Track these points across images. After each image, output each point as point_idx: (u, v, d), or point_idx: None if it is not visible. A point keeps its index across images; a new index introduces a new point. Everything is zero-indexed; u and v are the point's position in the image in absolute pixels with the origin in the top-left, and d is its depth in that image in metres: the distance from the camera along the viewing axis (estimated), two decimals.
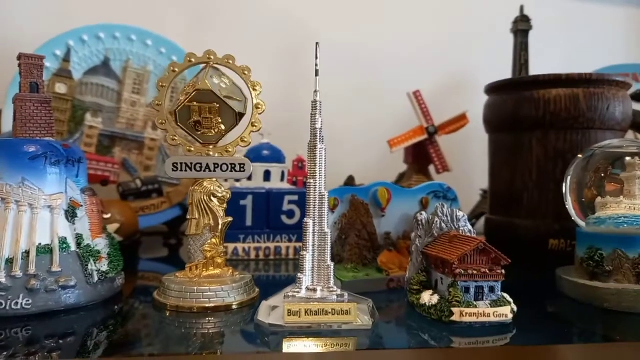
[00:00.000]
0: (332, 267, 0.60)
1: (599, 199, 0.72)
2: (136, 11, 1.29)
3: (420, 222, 0.69)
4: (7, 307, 0.57)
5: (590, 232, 0.72)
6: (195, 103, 0.66)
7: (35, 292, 0.58)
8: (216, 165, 0.67)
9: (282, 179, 1.04)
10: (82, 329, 0.57)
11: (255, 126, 0.69)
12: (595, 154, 0.75)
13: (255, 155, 1.02)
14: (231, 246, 0.95)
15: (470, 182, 1.32)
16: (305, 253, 0.60)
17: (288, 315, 0.55)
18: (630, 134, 1.06)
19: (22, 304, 0.58)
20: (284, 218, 0.98)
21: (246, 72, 0.69)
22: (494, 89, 1.00)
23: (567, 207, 0.76)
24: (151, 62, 1.18)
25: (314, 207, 0.61)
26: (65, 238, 0.63)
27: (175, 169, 0.67)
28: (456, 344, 0.54)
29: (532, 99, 0.90)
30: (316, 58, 0.63)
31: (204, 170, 0.67)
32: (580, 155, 0.77)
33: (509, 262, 0.61)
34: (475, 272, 0.59)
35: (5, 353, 0.48)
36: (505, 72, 1.33)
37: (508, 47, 1.35)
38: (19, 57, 0.69)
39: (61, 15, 1.25)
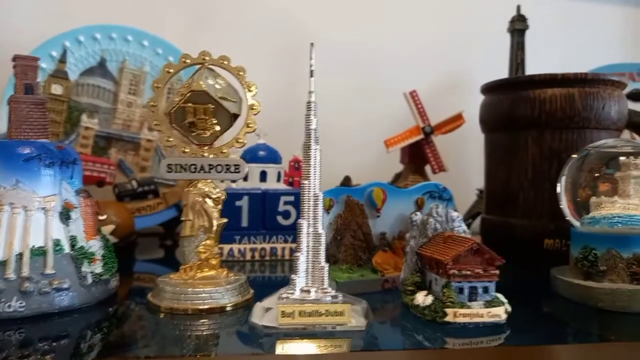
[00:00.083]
0: (327, 268, 0.60)
1: (593, 199, 0.72)
2: (134, 12, 1.29)
3: (414, 223, 0.69)
4: (1, 310, 0.57)
5: (584, 232, 0.72)
6: (190, 104, 0.66)
7: (28, 295, 0.58)
8: (211, 167, 0.67)
9: (279, 180, 1.04)
10: (75, 331, 0.57)
11: (251, 127, 0.69)
12: (589, 154, 0.75)
13: (251, 155, 1.02)
14: (227, 247, 0.95)
15: (467, 182, 1.32)
16: (299, 254, 0.60)
17: (282, 317, 0.55)
18: (626, 134, 1.07)
19: (15, 306, 0.57)
20: (279, 219, 0.98)
21: (241, 73, 0.69)
22: (489, 89, 1.00)
23: (561, 207, 0.77)
24: (147, 62, 1.18)
25: (308, 208, 0.61)
26: (59, 240, 0.63)
27: (169, 170, 0.67)
28: (450, 344, 0.54)
29: (527, 99, 0.90)
30: (311, 59, 0.63)
31: (199, 172, 0.67)
32: (574, 155, 0.77)
33: (503, 262, 0.61)
34: (469, 272, 0.59)
35: None
36: (501, 71, 1.33)
37: (504, 46, 1.35)
38: (14, 59, 0.69)
39: (57, 16, 1.24)
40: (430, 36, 1.46)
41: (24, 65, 0.68)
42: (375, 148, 1.28)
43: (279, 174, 1.03)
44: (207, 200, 0.67)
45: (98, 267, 0.66)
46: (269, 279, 0.87)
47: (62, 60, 1.12)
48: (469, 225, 1.24)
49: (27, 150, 0.63)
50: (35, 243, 0.61)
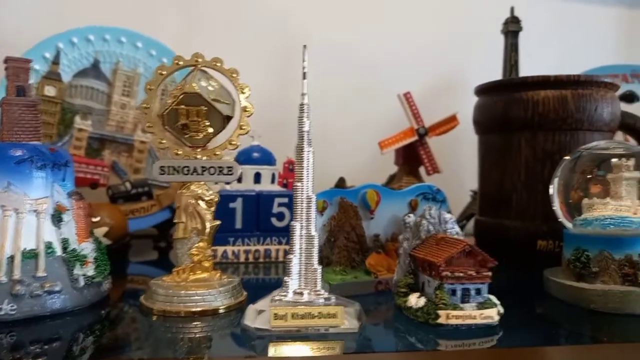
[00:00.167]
0: (320, 270, 0.60)
1: (585, 200, 0.73)
2: (128, 14, 1.28)
3: (407, 225, 0.69)
4: None
5: (576, 234, 0.72)
6: (182, 106, 0.65)
7: (20, 298, 0.58)
8: (204, 169, 0.67)
9: (273, 181, 1.04)
10: (67, 334, 0.56)
11: (244, 129, 0.69)
12: (582, 156, 0.75)
13: (245, 157, 1.02)
14: (221, 249, 0.95)
15: (461, 183, 1.32)
16: (292, 256, 0.60)
17: (274, 319, 0.55)
18: (620, 135, 1.07)
19: (6, 309, 0.57)
20: (273, 220, 0.98)
21: (234, 75, 0.69)
22: (483, 90, 1.00)
23: (554, 208, 0.77)
24: (141, 64, 1.18)
25: (301, 210, 0.61)
26: (51, 242, 0.62)
27: (162, 172, 0.66)
28: (442, 346, 0.54)
29: (521, 100, 0.90)
30: (303, 61, 0.64)
31: (192, 174, 0.67)
32: (567, 157, 0.77)
33: (495, 264, 0.61)
34: (461, 274, 0.60)
35: None
36: (495, 73, 1.33)
37: (499, 48, 1.36)
38: (6, 61, 0.68)
39: (51, 17, 1.24)
40: (424, 38, 1.47)
41: (16, 67, 0.68)
42: (370, 149, 1.28)
43: (273, 175, 1.03)
44: (200, 202, 0.67)
45: (90, 270, 0.65)
46: (263, 281, 0.87)
47: (56, 61, 1.12)
48: (463, 227, 1.25)
49: (18, 153, 0.63)
50: (26, 246, 0.61)
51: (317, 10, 1.42)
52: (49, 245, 0.62)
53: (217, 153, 0.68)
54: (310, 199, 0.61)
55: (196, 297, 0.62)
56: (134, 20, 1.20)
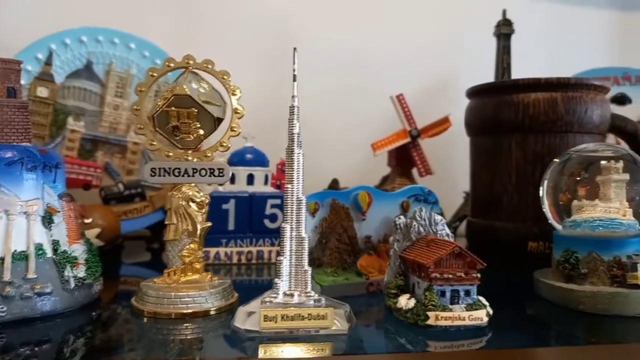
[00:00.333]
0: (310, 272, 0.61)
1: (575, 202, 0.73)
2: (121, 15, 1.28)
3: (398, 226, 0.70)
4: None
5: (566, 235, 0.73)
6: (173, 108, 0.66)
7: (10, 299, 0.58)
8: (195, 170, 0.67)
9: (266, 183, 1.04)
10: (58, 336, 0.56)
11: (235, 131, 0.69)
12: (571, 158, 0.76)
13: (238, 158, 1.02)
14: (213, 250, 0.95)
15: (453, 184, 1.32)
16: (282, 258, 0.60)
17: (264, 321, 0.55)
18: (611, 138, 1.08)
19: None
20: (266, 222, 0.98)
21: (225, 77, 0.69)
22: (474, 93, 1.01)
23: (544, 210, 0.77)
24: (134, 65, 1.18)
25: (292, 212, 0.61)
26: (42, 244, 0.62)
27: (153, 174, 0.67)
28: (432, 347, 0.54)
29: (511, 103, 0.91)
30: (294, 63, 0.64)
31: (183, 175, 0.67)
32: (556, 159, 0.78)
33: (484, 265, 0.61)
34: (450, 276, 0.60)
35: None
36: (489, 75, 1.34)
37: (491, 50, 1.36)
38: None
39: (44, 18, 1.24)
40: (418, 40, 1.47)
41: (7, 69, 0.68)
42: (363, 151, 1.28)
43: (266, 177, 1.04)
44: (191, 204, 0.67)
45: (81, 271, 0.65)
46: (255, 282, 0.87)
47: (48, 62, 1.12)
48: (455, 228, 1.25)
49: (9, 154, 0.63)
50: (17, 247, 0.61)
51: (311, 12, 1.42)
52: (39, 247, 0.62)
53: (208, 155, 0.68)
54: (300, 200, 0.62)
55: (187, 299, 0.63)
56: (128, 21, 1.20)
